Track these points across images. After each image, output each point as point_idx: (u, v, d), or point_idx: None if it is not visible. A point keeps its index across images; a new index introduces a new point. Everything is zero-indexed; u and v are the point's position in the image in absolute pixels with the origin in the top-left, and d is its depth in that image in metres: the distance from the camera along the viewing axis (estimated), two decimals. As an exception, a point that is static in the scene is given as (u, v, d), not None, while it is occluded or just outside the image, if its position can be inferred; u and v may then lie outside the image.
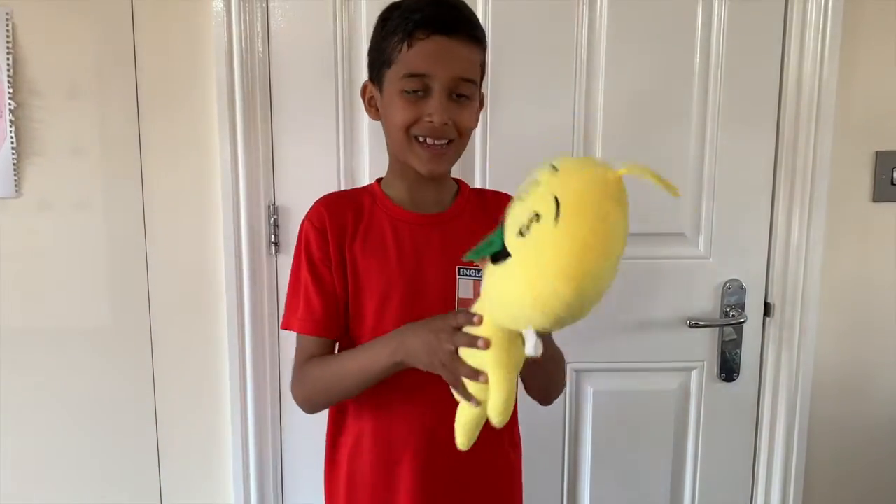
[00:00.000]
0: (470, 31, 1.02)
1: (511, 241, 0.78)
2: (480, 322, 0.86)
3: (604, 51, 1.56)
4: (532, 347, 0.79)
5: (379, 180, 1.16)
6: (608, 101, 1.58)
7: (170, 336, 1.58)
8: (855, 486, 1.75)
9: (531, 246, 0.75)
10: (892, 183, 1.63)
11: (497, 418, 0.86)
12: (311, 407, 1.12)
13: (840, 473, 1.74)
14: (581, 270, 0.72)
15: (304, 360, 1.09)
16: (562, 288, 0.73)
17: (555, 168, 0.77)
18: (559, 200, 0.73)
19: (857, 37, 1.57)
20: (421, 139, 1.02)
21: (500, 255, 0.80)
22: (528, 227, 0.75)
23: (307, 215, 1.11)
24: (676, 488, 1.74)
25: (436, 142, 1.02)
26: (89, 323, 1.56)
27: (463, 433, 0.91)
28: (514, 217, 0.78)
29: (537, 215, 0.74)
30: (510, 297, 0.79)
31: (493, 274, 0.82)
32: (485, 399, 0.88)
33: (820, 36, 1.55)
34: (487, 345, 0.85)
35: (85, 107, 1.49)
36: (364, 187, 1.18)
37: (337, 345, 1.13)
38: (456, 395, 0.91)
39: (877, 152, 1.62)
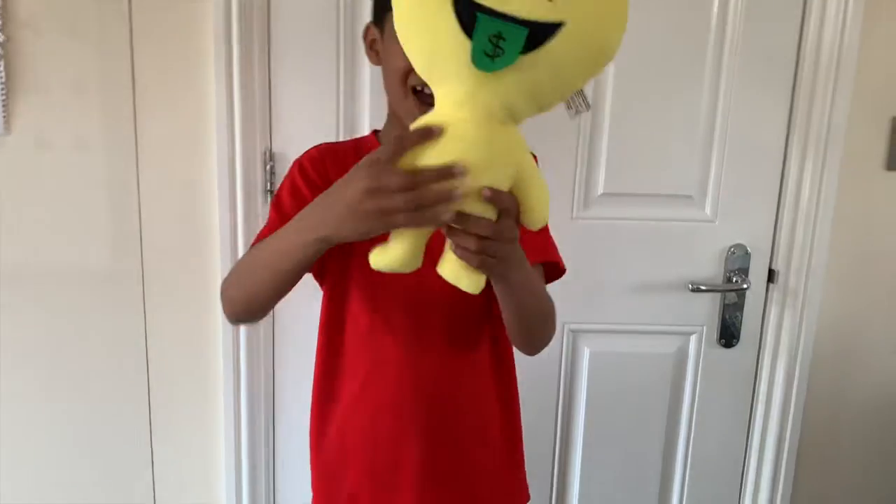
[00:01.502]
0: None
1: None
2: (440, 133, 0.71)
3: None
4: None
5: (375, 132, 1.11)
6: (619, 55, 1.51)
7: (162, 281, 1.55)
8: (848, 454, 1.75)
9: None
10: (908, 151, 1.58)
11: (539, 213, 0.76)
12: (228, 305, 1.00)
13: (834, 442, 1.74)
14: None
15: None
16: None
17: None
18: None
19: (880, 2, 1.51)
20: (418, 88, 0.96)
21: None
22: None
23: (302, 158, 1.06)
24: (669, 452, 1.74)
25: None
26: (80, 265, 1.54)
27: (465, 276, 0.78)
28: None
29: None
30: None
31: None
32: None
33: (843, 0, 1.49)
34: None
35: (78, 45, 1.44)
36: (360, 138, 1.13)
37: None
38: (449, 240, 0.78)
39: (894, 118, 1.57)
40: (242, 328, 1.55)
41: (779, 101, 1.57)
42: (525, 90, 0.71)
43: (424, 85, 0.89)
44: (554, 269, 1.09)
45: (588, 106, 0.84)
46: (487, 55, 0.67)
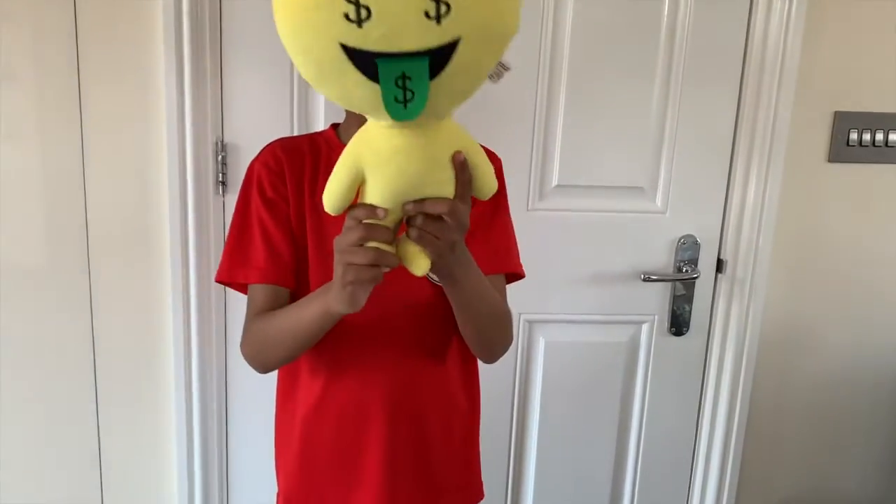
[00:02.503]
0: None
1: None
2: (385, 214, 0.76)
3: (571, 3, 1.52)
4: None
5: (334, 126, 1.09)
6: (573, 52, 1.54)
7: (110, 276, 1.51)
8: (794, 438, 1.81)
9: None
10: (849, 144, 1.64)
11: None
12: (258, 365, 1.05)
13: (780, 427, 1.79)
14: None
15: (254, 311, 1.02)
16: None
17: None
18: None
19: (824, 2, 1.56)
20: None
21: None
22: None
23: (259, 158, 1.04)
24: (622, 437, 1.77)
25: None
26: (24, 260, 1.48)
27: (411, 258, 0.81)
28: None
29: None
30: None
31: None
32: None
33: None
34: (384, 213, 0.75)
35: (17, 28, 1.38)
36: (318, 133, 1.10)
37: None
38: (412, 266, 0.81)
39: (836, 112, 1.62)
40: (193, 321, 1.52)
41: (727, 97, 1.61)
42: (447, 98, 0.71)
43: None
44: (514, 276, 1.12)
45: (507, 67, 0.84)
46: (399, 101, 0.67)
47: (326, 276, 0.89)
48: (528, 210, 1.60)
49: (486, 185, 0.79)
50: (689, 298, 1.69)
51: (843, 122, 1.62)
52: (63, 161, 1.45)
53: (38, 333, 1.51)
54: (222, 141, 1.48)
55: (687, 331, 1.71)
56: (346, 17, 0.63)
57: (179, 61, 1.41)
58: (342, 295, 0.81)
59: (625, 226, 1.64)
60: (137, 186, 1.47)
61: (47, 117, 1.43)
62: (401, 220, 0.79)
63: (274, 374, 1.11)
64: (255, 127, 1.46)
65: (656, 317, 1.70)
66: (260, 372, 1.05)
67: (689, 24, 1.56)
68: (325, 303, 0.87)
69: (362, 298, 0.82)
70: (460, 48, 0.66)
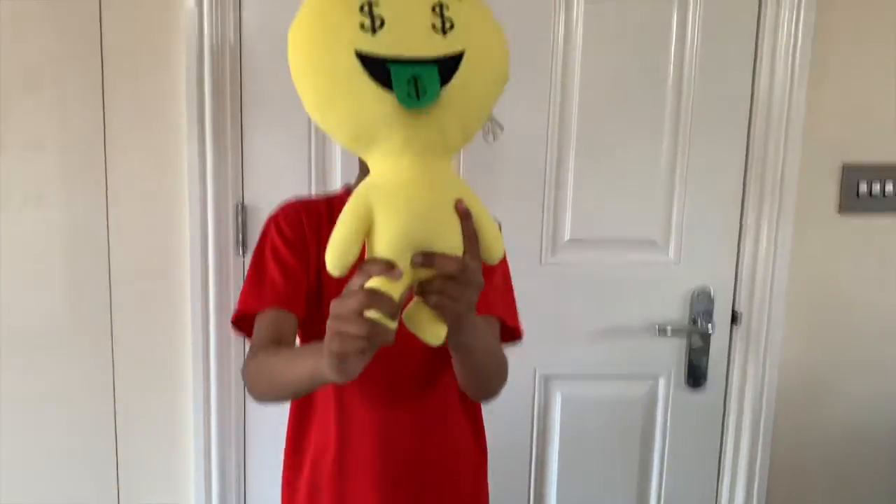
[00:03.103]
0: None
1: None
2: (399, 274, 0.71)
3: (579, 58, 1.57)
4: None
5: (347, 188, 1.13)
6: (583, 106, 1.58)
7: (132, 335, 1.54)
8: (816, 492, 1.77)
9: None
10: (858, 195, 1.65)
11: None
12: (253, 396, 1.00)
13: (802, 480, 1.76)
14: None
15: (259, 342, 0.99)
16: None
17: None
18: None
19: (827, 51, 1.59)
20: None
21: None
22: None
23: (277, 215, 1.06)
24: (642, 493, 1.75)
25: None
26: (49, 322, 1.52)
27: (426, 327, 0.77)
28: None
29: None
30: None
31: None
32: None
33: (791, 49, 1.57)
34: (399, 272, 0.71)
35: (47, 99, 1.45)
36: (332, 195, 1.13)
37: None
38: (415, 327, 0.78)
39: (844, 164, 1.64)
40: (213, 381, 1.54)
41: (735, 149, 1.63)
42: (454, 117, 0.75)
43: None
44: (511, 333, 1.09)
45: (501, 127, 0.89)
46: (412, 96, 0.71)
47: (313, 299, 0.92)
48: (541, 264, 1.62)
49: (493, 247, 0.78)
50: (705, 350, 1.69)
51: (851, 173, 1.64)
52: (88, 223, 1.49)
53: (60, 391, 1.54)
54: (242, 203, 1.52)
55: (704, 384, 1.70)
56: (362, 26, 0.71)
57: (201, 128, 1.46)
58: (330, 362, 0.72)
59: (638, 278, 1.65)
60: (160, 248, 1.52)
61: (73, 182, 1.48)
62: (408, 289, 0.74)
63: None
64: (274, 189, 1.49)
65: (673, 370, 1.70)
66: (254, 398, 1.01)
67: (695, 78, 1.59)
68: (316, 364, 0.77)
69: (354, 369, 0.73)
70: (465, 61, 0.74)
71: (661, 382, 1.70)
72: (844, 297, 1.70)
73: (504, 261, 1.11)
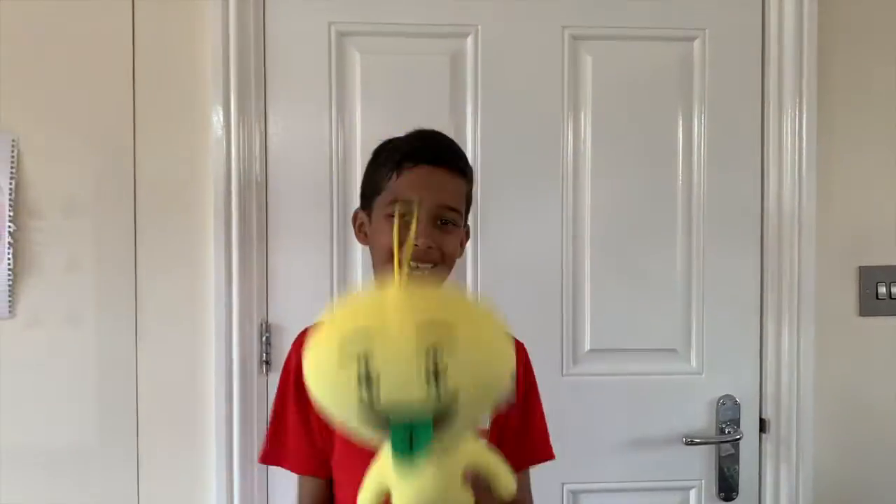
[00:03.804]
0: (455, 163, 1.08)
1: None
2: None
3: (589, 173, 1.62)
4: None
5: None
6: (595, 221, 1.62)
7: (157, 455, 1.54)
8: None
9: None
10: (878, 297, 1.65)
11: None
12: None
13: None
14: None
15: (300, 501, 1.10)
16: None
17: None
18: None
19: (832, 154, 1.64)
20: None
21: None
22: None
23: (294, 347, 1.11)
24: None
25: (420, 265, 1.03)
26: (76, 440, 1.53)
27: None
28: None
29: None
30: None
31: None
32: None
33: (797, 154, 1.61)
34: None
35: (82, 226, 1.52)
36: None
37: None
38: None
39: (860, 267, 1.66)
40: (236, 499, 1.53)
41: (749, 256, 1.65)
42: (452, 440, 0.75)
43: (410, 260, 0.97)
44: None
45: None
46: (405, 454, 0.71)
47: (349, 461, 0.95)
48: (562, 375, 1.62)
49: (503, 484, 0.79)
50: (735, 459, 1.65)
51: (868, 276, 1.65)
52: (117, 343, 1.53)
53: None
54: (266, 322, 1.56)
55: (737, 496, 1.65)
56: (360, 380, 0.69)
57: (228, 250, 1.52)
58: None
59: (662, 388, 1.64)
60: (186, 367, 1.54)
61: (105, 304, 1.53)
62: None
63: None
64: (298, 308, 1.54)
65: (703, 481, 1.65)
66: None
67: (704, 187, 1.63)
68: None
69: None
70: (459, 410, 0.71)
71: (693, 494, 1.66)
72: (874, 400, 1.67)
73: (535, 389, 1.14)
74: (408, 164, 1.04)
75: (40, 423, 1.52)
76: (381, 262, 1.07)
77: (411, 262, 1.02)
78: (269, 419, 1.13)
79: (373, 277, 1.14)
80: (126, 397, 1.53)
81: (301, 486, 1.11)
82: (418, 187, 1.03)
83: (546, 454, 1.14)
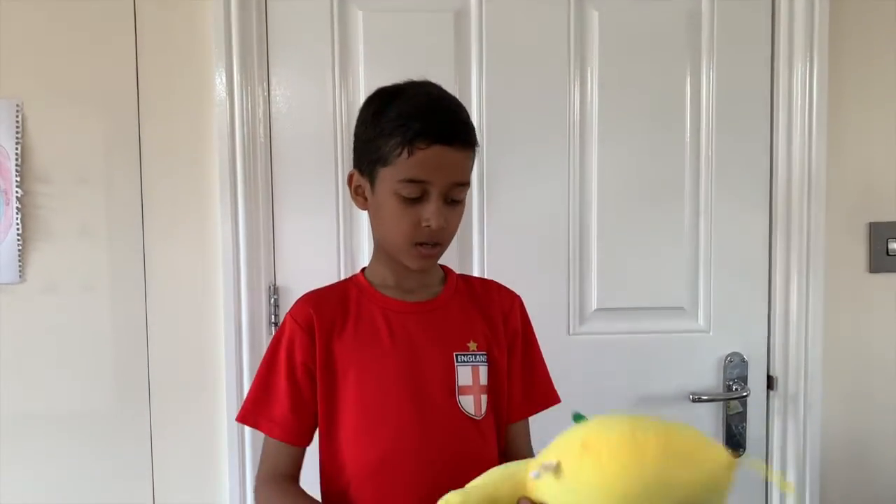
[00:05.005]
0: (466, 138, 1.04)
1: None
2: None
3: (595, 131, 1.60)
4: None
5: (363, 269, 1.16)
6: (601, 180, 1.61)
7: (169, 417, 1.57)
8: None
9: None
10: (888, 254, 1.64)
11: None
12: None
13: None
14: None
15: (269, 470, 1.08)
16: None
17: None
18: None
19: (843, 109, 1.61)
20: (421, 242, 1.03)
21: None
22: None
23: (291, 312, 1.10)
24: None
25: (429, 242, 1.04)
26: (89, 406, 1.55)
27: None
28: None
29: None
30: None
31: None
32: None
33: (807, 109, 1.59)
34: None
35: (89, 192, 1.53)
36: (348, 279, 1.17)
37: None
38: None
39: (870, 223, 1.64)
40: (248, 458, 1.55)
41: (758, 212, 1.64)
42: None
43: (424, 241, 1.02)
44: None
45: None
46: None
47: (346, 410, 1.00)
48: (569, 334, 1.62)
49: None
50: (743, 416, 1.65)
51: (878, 232, 1.64)
52: (127, 307, 1.55)
53: (102, 470, 1.56)
54: (274, 285, 1.56)
55: (744, 451, 1.66)
56: None
57: (234, 214, 1.52)
58: None
59: (669, 346, 1.64)
60: (196, 331, 1.56)
61: (114, 270, 1.54)
62: None
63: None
64: (305, 270, 1.55)
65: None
66: None
67: (713, 142, 1.61)
68: None
69: None
70: None
71: (700, 451, 1.67)
72: (882, 356, 1.67)
73: (534, 337, 1.14)
74: (421, 143, 0.99)
75: (52, 387, 1.54)
76: (391, 242, 1.06)
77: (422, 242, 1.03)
78: (252, 379, 1.13)
79: (373, 241, 1.14)
80: (137, 360, 1.55)
81: (276, 452, 1.09)
82: (432, 168, 1.00)
83: (553, 398, 1.14)
